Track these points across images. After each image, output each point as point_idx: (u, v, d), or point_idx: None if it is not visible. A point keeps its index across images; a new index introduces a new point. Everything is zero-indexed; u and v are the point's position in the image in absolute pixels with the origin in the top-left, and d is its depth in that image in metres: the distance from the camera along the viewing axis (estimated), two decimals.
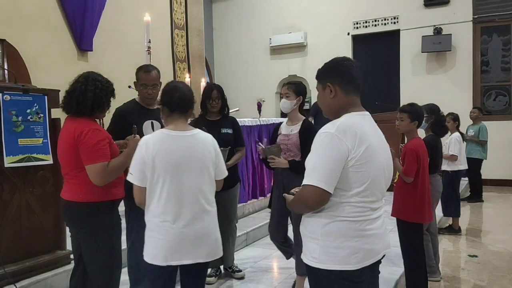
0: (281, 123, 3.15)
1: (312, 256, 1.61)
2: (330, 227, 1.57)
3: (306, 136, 2.84)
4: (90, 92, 2.17)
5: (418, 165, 2.88)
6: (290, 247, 3.08)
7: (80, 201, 2.19)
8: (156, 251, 2.00)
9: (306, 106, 10.16)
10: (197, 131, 2.09)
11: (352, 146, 1.52)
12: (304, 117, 2.99)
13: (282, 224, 3.03)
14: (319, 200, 1.54)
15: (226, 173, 2.20)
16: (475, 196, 6.86)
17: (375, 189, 1.60)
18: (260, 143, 3.10)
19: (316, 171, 1.53)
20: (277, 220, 3.02)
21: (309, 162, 1.57)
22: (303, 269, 2.88)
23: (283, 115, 6.90)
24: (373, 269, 1.67)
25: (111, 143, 2.21)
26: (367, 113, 1.70)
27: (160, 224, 1.98)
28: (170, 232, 1.97)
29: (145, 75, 2.84)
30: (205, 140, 2.08)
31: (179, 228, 1.97)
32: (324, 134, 1.56)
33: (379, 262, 1.69)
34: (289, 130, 2.96)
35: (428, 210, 2.95)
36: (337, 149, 1.51)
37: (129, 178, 2.00)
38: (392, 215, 2.99)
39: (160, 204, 1.97)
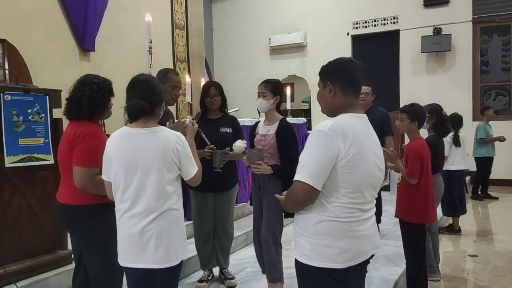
0: (257, 122, 3.03)
1: (302, 252, 1.65)
2: (320, 226, 1.60)
3: (283, 137, 2.77)
4: (85, 97, 2.16)
5: (422, 166, 2.86)
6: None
7: (73, 204, 2.18)
8: (119, 250, 1.99)
9: (306, 106, 10.26)
10: (160, 128, 1.98)
11: (343, 146, 1.54)
12: (282, 117, 2.88)
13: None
14: (307, 196, 1.58)
15: (191, 174, 2.03)
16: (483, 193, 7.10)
17: (365, 191, 1.62)
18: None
19: (305, 168, 1.56)
20: (258, 219, 2.94)
21: (301, 158, 1.61)
22: (274, 276, 2.84)
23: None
24: (360, 269, 1.70)
25: None
26: (364, 115, 1.71)
27: (119, 220, 1.97)
28: (125, 230, 1.94)
29: (177, 77, 3.12)
30: (166, 138, 1.95)
31: (131, 226, 1.92)
32: (317, 132, 1.58)
33: (367, 261, 1.71)
34: (266, 130, 2.86)
35: (432, 211, 2.94)
36: (328, 147, 1.54)
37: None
38: (395, 216, 2.99)
39: (118, 199, 1.96)
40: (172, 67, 7.13)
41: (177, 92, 3.11)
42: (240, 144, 2.88)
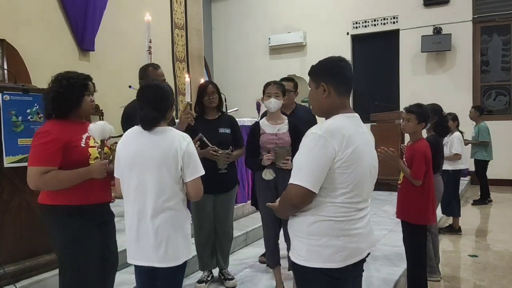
0: (257, 122, 3.10)
1: (299, 254, 1.66)
2: (315, 226, 1.61)
3: (298, 135, 2.85)
4: (52, 93, 2.08)
5: (426, 167, 2.86)
6: (278, 254, 3.05)
7: (40, 202, 2.17)
8: (127, 247, 2.03)
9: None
10: (166, 128, 2.01)
11: (339, 148, 1.55)
12: (286, 116, 3.06)
13: (275, 225, 2.99)
14: (304, 199, 1.58)
15: (194, 176, 2.01)
16: (482, 199, 6.71)
17: (361, 190, 1.63)
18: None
19: (302, 171, 1.57)
20: (271, 220, 2.97)
21: (296, 161, 1.61)
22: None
23: None
24: (357, 268, 1.70)
25: (68, 148, 2.05)
26: (356, 114, 1.72)
27: (126, 217, 2.02)
28: (130, 228, 1.99)
29: (155, 71, 2.94)
30: (171, 138, 1.97)
31: (133, 223, 1.97)
32: (312, 135, 1.58)
33: (363, 260, 1.72)
34: (276, 129, 2.96)
35: (432, 212, 2.94)
36: (324, 150, 1.54)
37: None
38: (397, 217, 2.99)
39: (125, 197, 2.01)
40: (171, 67, 7.14)
41: None
42: (269, 173, 2.93)
